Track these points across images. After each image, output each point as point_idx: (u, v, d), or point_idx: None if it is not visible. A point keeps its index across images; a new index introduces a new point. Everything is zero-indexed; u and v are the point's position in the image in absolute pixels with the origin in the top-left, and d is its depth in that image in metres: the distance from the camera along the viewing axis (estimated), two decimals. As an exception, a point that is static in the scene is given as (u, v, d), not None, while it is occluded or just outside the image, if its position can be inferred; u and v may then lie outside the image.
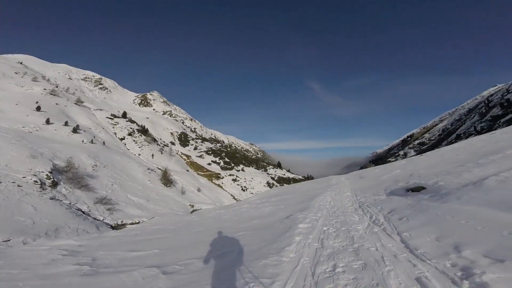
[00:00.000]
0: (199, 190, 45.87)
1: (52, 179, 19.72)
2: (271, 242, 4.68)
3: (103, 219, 19.07)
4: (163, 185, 37.76)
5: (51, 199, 16.98)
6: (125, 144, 57.40)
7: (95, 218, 18.23)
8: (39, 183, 17.87)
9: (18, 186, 16.12)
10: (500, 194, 3.88)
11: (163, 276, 3.67)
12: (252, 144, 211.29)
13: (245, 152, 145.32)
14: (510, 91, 75.39)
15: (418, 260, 2.86)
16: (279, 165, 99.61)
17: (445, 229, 3.50)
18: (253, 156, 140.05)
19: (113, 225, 18.73)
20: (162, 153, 61.33)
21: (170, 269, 3.91)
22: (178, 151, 75.99)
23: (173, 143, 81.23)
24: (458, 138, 73.64)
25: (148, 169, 41.53)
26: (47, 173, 19.92)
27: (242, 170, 76.21)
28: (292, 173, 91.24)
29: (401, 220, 4.63)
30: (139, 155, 55.12)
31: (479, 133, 57.74)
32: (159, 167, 46.88)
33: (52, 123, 40.35)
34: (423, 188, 6.96)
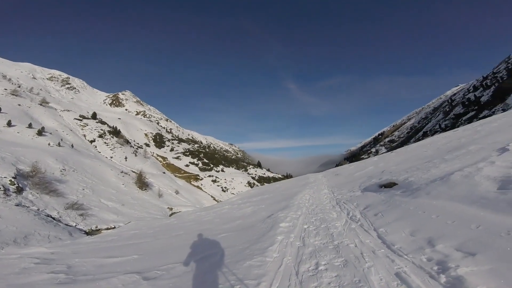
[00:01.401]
0: (177, 192, 44.83)
1: (17, 185, 18.32)
2: (254, 243, 4.71)
3: (76, 225, 18.07)
4: (138, 188, 36.46)
5: (17, 205, 15.78)
6: (96, 147, 54.56)
7: (67, 224, 17.21)
8: (2, 189, 16.53)
9: (-22, 193, 14.79)
10: (465, 189, 4.19)
11: (144, 282, 3.57)
12: (231, 144, 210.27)
13: (224, 152, 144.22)
14: (470, 91, 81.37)
15: (395, 256, 3.00)
16: (259, 165, 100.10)
17: (418, 224, 3.71)
18: (233, 156, 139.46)
19: (87, 231, 17.80)
20: (136, 155, 59.10)
21: (152, 275, 3.82)
22: (153, 153, 73.62)
23: (147, 145, 78.57)
24: (425, 135, 78.24)
25: (122, 172, 39.87)
26: (11, 178, 18.47)
27: (222, 170, 75.58)
28: (272, 172, 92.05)
29: (377, 216, 4.85)
30: (111, 157, 52.65)
31: (443, 130, 61.79)
32: (134, 170, 45.16)
33: (14, 125, 37.45)
34: (395, 184, 7.30)
